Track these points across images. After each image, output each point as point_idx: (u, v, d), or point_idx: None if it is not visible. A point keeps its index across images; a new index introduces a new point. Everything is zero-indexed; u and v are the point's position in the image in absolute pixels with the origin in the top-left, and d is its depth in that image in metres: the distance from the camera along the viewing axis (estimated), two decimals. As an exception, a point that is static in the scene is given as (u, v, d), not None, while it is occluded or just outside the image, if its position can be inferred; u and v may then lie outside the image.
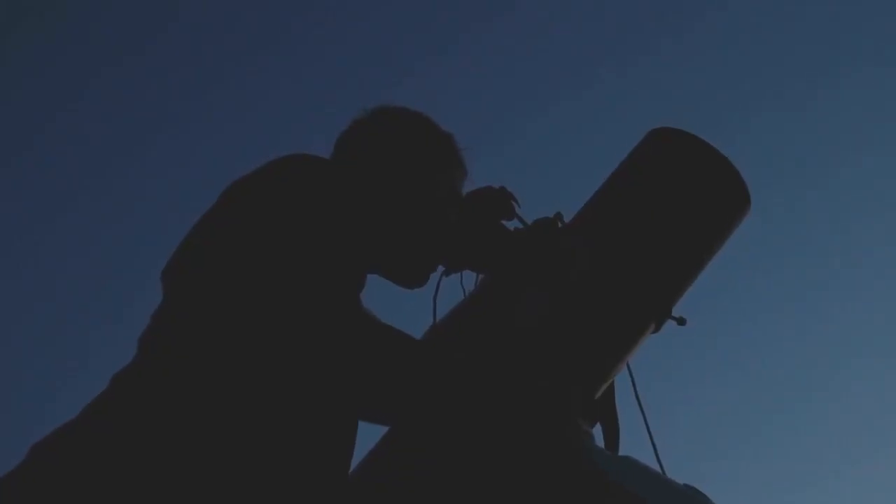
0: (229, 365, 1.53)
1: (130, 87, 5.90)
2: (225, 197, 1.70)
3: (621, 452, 1.89)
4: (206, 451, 1.48)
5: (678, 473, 1.77)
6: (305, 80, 6.12)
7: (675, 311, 1.94)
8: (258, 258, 1.59)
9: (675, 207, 1.94)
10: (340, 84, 5.94)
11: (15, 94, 5.85)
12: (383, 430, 1.80)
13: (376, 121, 1.96)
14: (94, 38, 5.94)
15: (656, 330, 1.93)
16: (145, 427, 1.50)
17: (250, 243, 1.60)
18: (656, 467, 1.86)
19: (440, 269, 1.96)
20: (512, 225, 1.97)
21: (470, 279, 1.99)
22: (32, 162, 5.90)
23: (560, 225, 1.95)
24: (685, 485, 1.70)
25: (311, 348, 1.56)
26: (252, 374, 1.53)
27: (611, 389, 1.92)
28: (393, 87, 5.89)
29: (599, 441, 1.87)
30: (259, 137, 5.78)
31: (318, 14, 6.04)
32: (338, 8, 6.05)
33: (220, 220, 1.67)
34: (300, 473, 1.55)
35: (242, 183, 1.70)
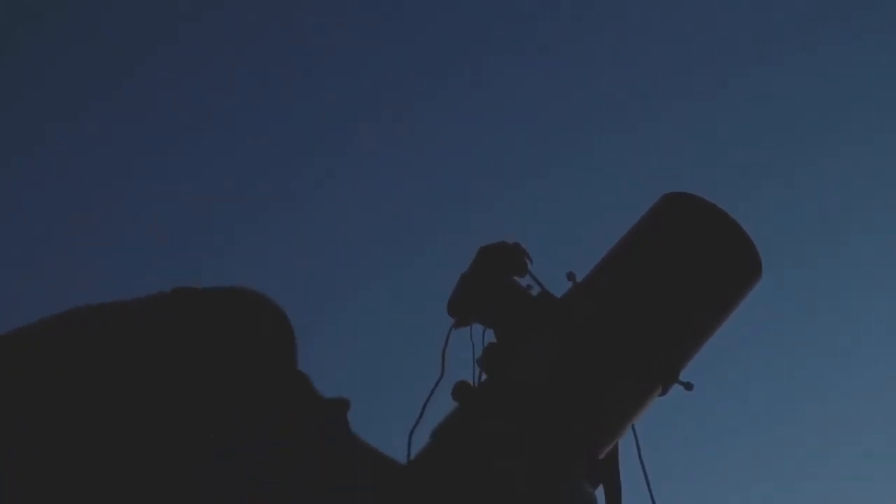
0: None
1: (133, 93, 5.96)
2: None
3: (623, 515, 1.89)
4: None
5: (679, 539, 1.76)
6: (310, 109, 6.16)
7: (683, 376, 1.94)
8: None
9: (687, 272, 1.95)
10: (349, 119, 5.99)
11: (14, 96, 5.91)
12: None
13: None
14: (94, 42, 6.00)
15: (663, 393, 1.93)
16: None
17: None
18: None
19: (451, 322, 1.98)
20: (524, 282, 1.99)
21: (480, 332, 2.00)
22: (32, 167, 5.94)
23: (572, 283, 1.96)
24: (685, 550, 1.70)
25: None
26: None
27: (615, 451, 1.92)
28: (411, 143, 5.94)
29: (602, 502, 1.87)
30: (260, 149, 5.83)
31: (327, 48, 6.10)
32: (350, 42, 6.11)
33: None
34: None
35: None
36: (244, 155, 5.95)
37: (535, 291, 1.98)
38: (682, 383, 1.93)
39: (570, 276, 1.96)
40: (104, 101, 5.95)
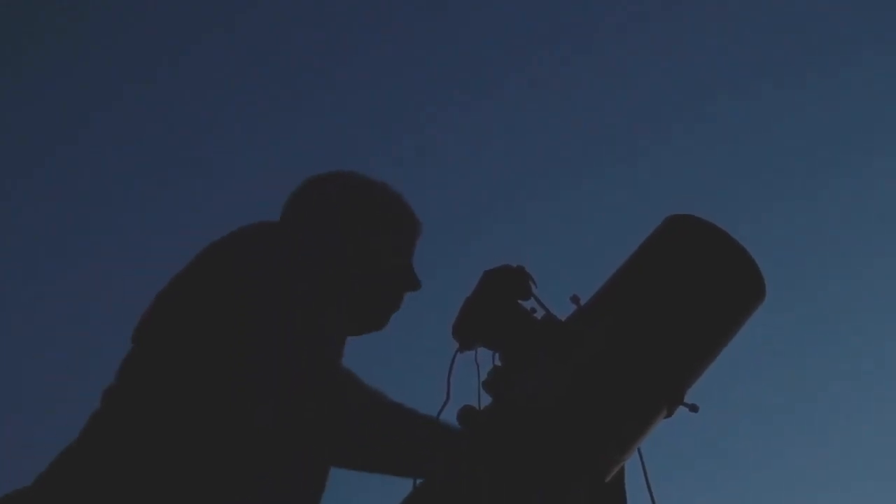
0: (203, 425, 1.63)
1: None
2: (203, 261, 1.80)
3: (629, 538, 1.88)
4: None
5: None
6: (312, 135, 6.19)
7: (688, 398, 1.94)
8: (240, 325, 1.67)
9: (690, 294, 1.95)
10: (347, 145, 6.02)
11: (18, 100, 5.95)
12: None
13: (320, 187, 2.09)
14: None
15: (668, 415, 1.93)
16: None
17: (232, 309, 1.69)
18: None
19: (455, 346, 1.98)
20: (528, 305, 1.99)
21: (484, 356, 2.00)
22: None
23: (576, 306, 1.97)
24: (692, 574, 1.70)
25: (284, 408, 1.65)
26: (222, 431, 1.63)
27: (621, 474, 1.92)
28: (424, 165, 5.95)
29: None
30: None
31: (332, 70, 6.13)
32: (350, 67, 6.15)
33: (199, 283, 1.76)
34: None
35: (219, 248, 1.80)
36: (252, 161, 5.97)
37: (540, 314, 1.99)
38: (687, 405, 1.93)
39: (574, 300, 1.96)
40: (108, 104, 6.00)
